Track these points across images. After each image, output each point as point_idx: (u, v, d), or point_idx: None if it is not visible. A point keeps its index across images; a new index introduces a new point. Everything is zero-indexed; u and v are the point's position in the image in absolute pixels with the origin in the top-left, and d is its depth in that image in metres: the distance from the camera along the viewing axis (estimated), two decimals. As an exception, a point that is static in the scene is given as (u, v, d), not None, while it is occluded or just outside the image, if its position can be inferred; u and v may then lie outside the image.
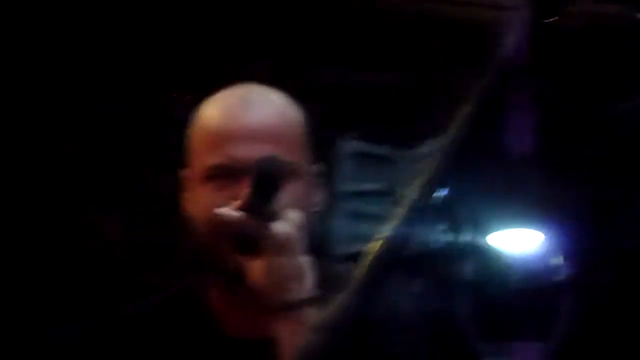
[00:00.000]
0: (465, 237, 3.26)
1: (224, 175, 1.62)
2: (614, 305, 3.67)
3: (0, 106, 3.96)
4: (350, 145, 3.26)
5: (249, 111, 1.66)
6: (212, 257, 1.64)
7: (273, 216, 1.56)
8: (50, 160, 4.00)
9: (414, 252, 3.00)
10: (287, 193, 1.63)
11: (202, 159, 1.67)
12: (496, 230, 3.45)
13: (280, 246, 1.55)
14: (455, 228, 3.21)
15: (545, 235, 3.40)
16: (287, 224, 1.56)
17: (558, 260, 3.35)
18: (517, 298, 3.36)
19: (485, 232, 3.49)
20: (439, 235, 3.08)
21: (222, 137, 1.64)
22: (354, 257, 2.99)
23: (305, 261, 1.56)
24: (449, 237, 3.14)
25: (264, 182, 1.53)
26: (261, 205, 1.55)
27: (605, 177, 3.79)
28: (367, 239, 3.08)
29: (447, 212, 3.15)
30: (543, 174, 3.71)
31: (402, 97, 3.89)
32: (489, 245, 3.42)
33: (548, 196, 3.63)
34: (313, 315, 1.53)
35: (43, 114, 4.03)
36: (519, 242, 3.41)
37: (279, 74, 3.87)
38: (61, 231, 3.98)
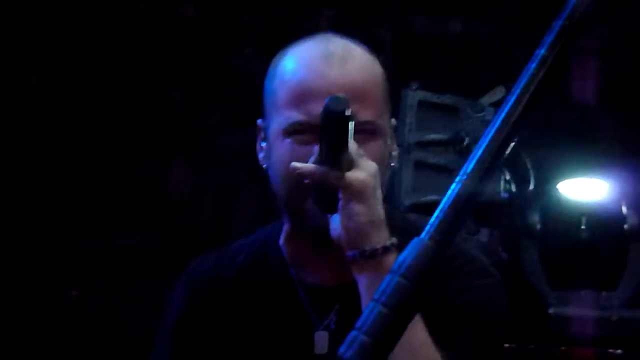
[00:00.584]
0: (532, 186, 3.25)
1: (306, 131, 1.61)
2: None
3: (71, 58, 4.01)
4: (415, 95, 3.25)
5: (332, 67, 1.62)
6: (292, 210, 1.64)
7: (349, 165, 1.55)
8: (115, 114, 4.04)
9: (482, 202, 3.00)
10: (369, 151, 1.61)
11: (283, 113, 1.64)
12: (563, 180, 3.42)
13: (358, 194, 1.50)
14: (522, 178, 3.20)
15: (612, 184, 3.35)
16: (364, 172, 1.55)
17: (625, 209, 3.31)
18: (585, 247, 3.33)
19: (552, 181, 3.46)
20: (505, 185, 3.07)
21: (305, 93, 1.59)
22: (421, 207, 2.99)
23: (381, 210, 1.56)
24: (515, 187, 3.13)
25: (333, 123, 1.50)
26: (335, 153, 1.53)
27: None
28: (432, 188, 3.07)
29: (513, 162, 3.14)
30: (609, 123, 3.66)
31: (467, 46, 3.85)
32: (555, 194, 3.39)
33: (615, 145, 3.58)
34: (392, 263, 1.52)
35: (108, 74, 4.07)
36: (586, 191, 3.37)
37: (341, 24, 3.85)
38: (129, 183, 4.02)
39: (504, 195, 3.04)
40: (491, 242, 3.00)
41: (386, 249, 1.52)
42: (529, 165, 3.16)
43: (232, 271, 1.74)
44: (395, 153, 1.71)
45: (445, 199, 0.86)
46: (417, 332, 1.47)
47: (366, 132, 1.59)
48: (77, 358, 3.89)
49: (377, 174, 1.54)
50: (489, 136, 0.88)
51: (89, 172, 3.96)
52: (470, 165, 0.87)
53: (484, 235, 3.00)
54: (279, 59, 1.67)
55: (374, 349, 0.82)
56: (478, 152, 0.88)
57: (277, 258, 1.70)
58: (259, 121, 1.70)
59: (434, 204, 0.91)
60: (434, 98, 3.07)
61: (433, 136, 3.04)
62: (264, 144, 1.68)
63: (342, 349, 0.83)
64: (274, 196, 1.68)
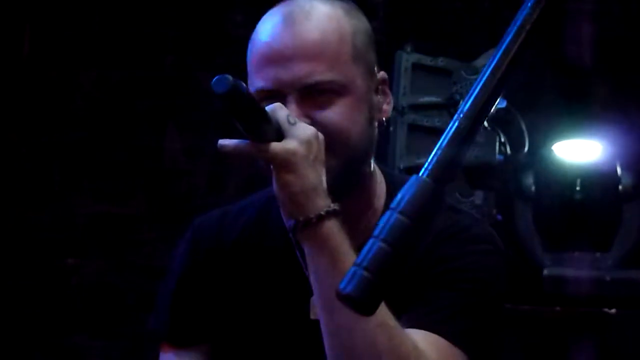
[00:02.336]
0: (527, 149, 3.25)
1: (270, 97, 1.60)
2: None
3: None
4: (409, 57, 3.25)
5: (286, 30, 1.59)
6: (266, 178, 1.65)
7: (278, 135, 1.49)
8: (108, 82, 4.04)
9: (477, 164, 3.01)
10: (335, 111, 1.57)
11: (252, 81, 1.59)
12: (557, 142, 3.42)
13: (285, 164, 1.46)
14: (517, 140, 3.20)
15: (606, 145, 3.36)
16: (293, 140, 1.47)
17: (620, 170, 3.31)
18: (579, 208, 3.34)
19: (547, 144, 3.47)
20: (500, 148, 3.07)
21: (263, 59, 1.57)
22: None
23: (317, 176, 1.48)
24: (510, 150, 3.14)
25: (227, 103, 1.46)
26: (252, 127, 1.50)
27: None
28: (426, 151, 3.07)
29: (508, 125, 3.14)
30: (604, 86, 3.66)
31: (460, 10, 3.83)
32: (550, 157, 3.40)
33: (609, 108, 3.59)
34: (332, 229, 1.48)
35: (100, 41, 4.06)
36: (581, 153, 3.38)
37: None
38: (122, 150, 4.02)
39: (499, 157, 3.04)
40: (486, 205, 3.01)
41: (321, 217, 1.48)
42: (524, 128, 3.16)
43: (235, 231, 1.74)
44: (387, 107, 1.68)
45: (442, 138, 0.87)
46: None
47: (328, 91, 1.57)
48: (74, 324, 3.91)
49: (314, 139, 1.49)
50: (486, 75, 0.88)
51: (82, 140, 3.96)
52: (467, 104, 0.87)
53: (478, 197, 3.01)
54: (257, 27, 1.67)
55: (373, 284, 0.82)
56: (475, 91, 0.88)
57: (278, 221, 1.69)
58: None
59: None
60: (428, 61, 3.06)
61: (427, 99, 3.04)
62: None
63: (342, 285, 0.83)
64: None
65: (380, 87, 1.66)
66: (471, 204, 2.98)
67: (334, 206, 1.49)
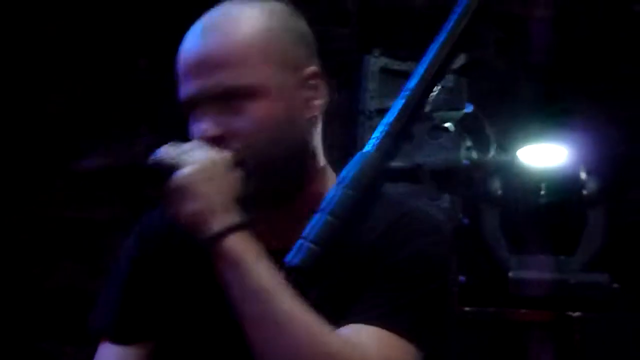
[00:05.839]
0: (492, 153, 3.28)
1: (190, 109, 1.60)
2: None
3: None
4: (377, 62, 3.27)
5: (195, 43, 1.59)
6: None
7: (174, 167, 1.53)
8: (82, 84, 4.04)
9: (443, 168, 3.03)
10: (249, 116, 1.54)
11: None
12: (523, 146, 3.46)
13: (177, 192, 1.51)
14: (483, 145, 3.23)
15: (571, 150, 3.39)
16: (185, 169, 1.51)
17: (584, 174, 3.35)
18: (544, 212, 3.37)
19: (512, 148, 3.50)
20: (466, 152, 3.10)
21: (180, 74, 1.59)
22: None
23: (214, 194, 1.47)
24: (476, 154, 3.17)
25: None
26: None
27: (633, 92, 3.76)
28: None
29: (474, 129, 3.17)
30: (569, 90, 3.70)
31: (431, 19, 3.86)
32: (515, 161, 3.43)
33: (573, 112, 3.62)
34: (241, 242, 1.42)
35: (75, 43, 4.07)
36: (546, 157, 3.41)
37: None
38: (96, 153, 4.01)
39: (465, 162, 3.07)
40: (452, 208, 3.04)
41: (223, 233, 1.45)
42: (490, 133, 3.20)
43: (180, 231, 1.74)
44: (319, 101, 1.60)
45: (389, 113, 0.89)
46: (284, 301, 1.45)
47: (239, 97, 1.56)
48: (44, 329, 3.89)
49: (209, 161, 1.51)
50: (432, 54, 0.91)
51: (55, 141, 3.95)
52: (413, 81, 0.90)
53: (445, 201, 3.04)
54: None
55: (319, 254, 0.84)
56: (421, 69, 0.91)
57: None
58: None
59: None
60: (396, 65, 3.09)
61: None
62: None
63: (288, 257, 0.85)
64: None
65: (310, 81, 1.60)
66: (438, 208, 3.01)
67: (239, 220, 1.44)
